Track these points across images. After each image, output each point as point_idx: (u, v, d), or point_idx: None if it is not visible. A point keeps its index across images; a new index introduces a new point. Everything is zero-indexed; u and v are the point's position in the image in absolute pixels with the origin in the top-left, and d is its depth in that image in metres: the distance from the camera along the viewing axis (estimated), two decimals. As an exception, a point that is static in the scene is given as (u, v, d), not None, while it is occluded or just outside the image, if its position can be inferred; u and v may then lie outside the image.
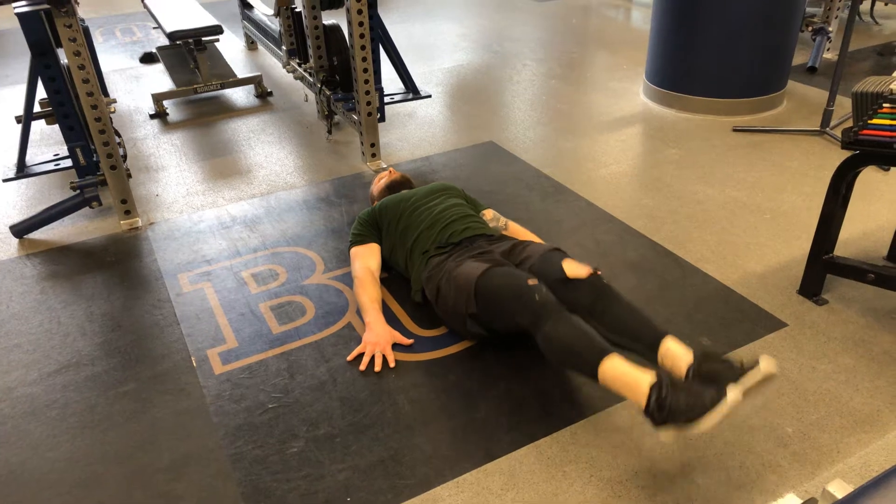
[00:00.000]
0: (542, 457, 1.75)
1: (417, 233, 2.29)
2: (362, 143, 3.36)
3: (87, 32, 3.15)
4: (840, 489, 1.21)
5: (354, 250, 2.39)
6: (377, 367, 2.05)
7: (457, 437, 1.82)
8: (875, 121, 1.97)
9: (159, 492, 1.70)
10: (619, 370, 1.66)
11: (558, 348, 1.78)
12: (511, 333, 2.00)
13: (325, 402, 1.94)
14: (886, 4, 5.56)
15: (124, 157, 2.91)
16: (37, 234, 2.87)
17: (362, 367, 2.05)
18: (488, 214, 2.49)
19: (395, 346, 2.13)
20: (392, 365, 2.07)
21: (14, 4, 2.51)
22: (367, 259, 2.35)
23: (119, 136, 3.01)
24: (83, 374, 2.09)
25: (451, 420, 1.87)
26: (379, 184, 2.71)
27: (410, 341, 2.17)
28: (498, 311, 1.94)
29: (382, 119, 3.46)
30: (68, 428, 1.90)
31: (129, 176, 2.92)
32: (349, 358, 2.09)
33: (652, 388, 1.57)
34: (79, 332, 2.27)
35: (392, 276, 2.48)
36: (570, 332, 1.77)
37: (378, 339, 2.11)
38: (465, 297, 1.99)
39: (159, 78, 4.66)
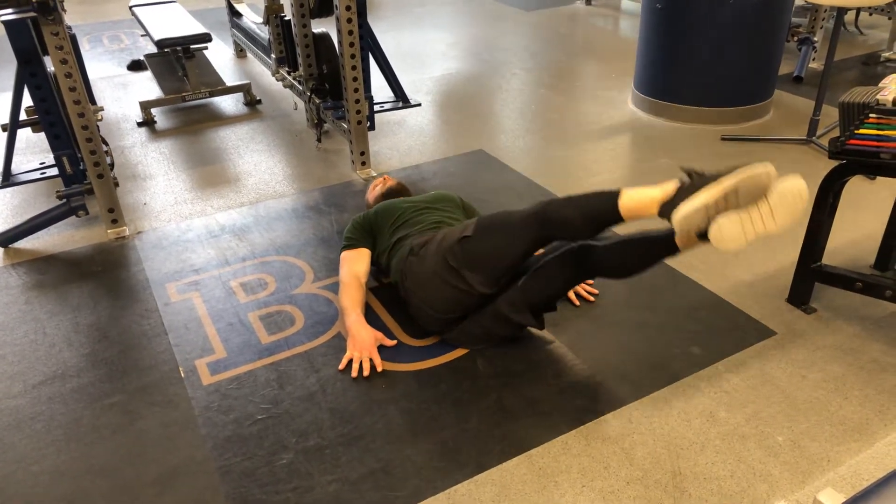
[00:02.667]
0: (533, 467, 1.75)
1: (405, 233, 2.30)
2: (352, 151, 3.35)
3: (74, 40, 3.13)
4: (831, 498, 1.21)
5: (344, 254, 2.37)
6: (366, 373, 2.04)
7: (448, 448, 1.81)
8: (862, 130, 1.99)
9: (146, 505, 1.68)
10: (638, 191, 1.78)
11: (577, 215, 1.86)
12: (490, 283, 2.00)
13: (315, 413, 1.93)
14: (871, 14, 5.63)
15: (111, 165, 2.88)
16: (22, 244, 2.83)
17: (353, 373, 2.05)
18: None
19: (386, 356, 2.12)
20: (379, 369, 2.06)
21: (0, 12, 2.49)
22: (354, 264, 2.33)
23: (106, 144, 2.99)
24: (69, 385, 2.06)
25: (442, 431, 1.86)
26: (374, 191, 2.70)
27: (394, 342, 2.17)
28: (498, 237, 1.96)
29: (372, 127, 3.46)
30: (54, 441, 1.87)
31: (117, 184, 2.89)
32: (340, 367, 2.08)
33: (682, 180, 1.74)
34: (65, 343, 2.24)
35: (384, 286, 2.47)
36: (571, 202, 1.89)
37: (363, 343, 2.10)
38: (448, 251, 2.00)
39: (147, 86, 4.64)
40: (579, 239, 1.99)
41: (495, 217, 2.01)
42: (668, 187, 1.73)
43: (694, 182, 1.70)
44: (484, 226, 1.98)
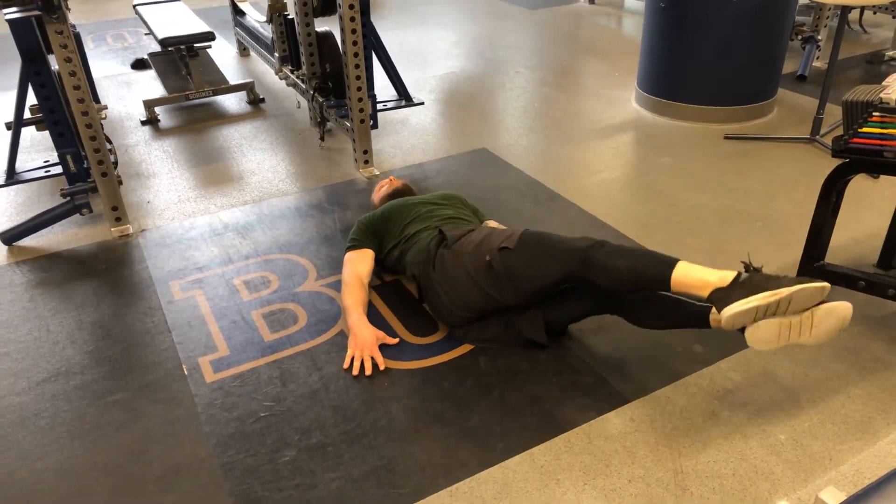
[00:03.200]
0: (535, 465, 1.75)
1: (421, 226, 2.31)
2: (355, 150, 3.35)
3: (78, 38, 3.13)
4: (833, 497, 1.21)
5: (348, 255, 2.38)
6: (367, 372, 2.05)
7: (450, 445, 1.81)
8: (865, 129, 1.98)
9: (150, 502, 1.68)
10: (694, 269, 1.76)
11: (625, 270, 1.82)
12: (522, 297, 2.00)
13: (318, 411, 1.93)
14: (875, 13, 5.61)
15: (115, 163, 2.89)
16: (26, 242, 2.84)
17: (354, 372, 2.05)
18: (491, 224, 2.50)
19: (389, 353, 2.13)
20: (382, 368, 2.06)
21: (4, 10, 2.50)
22: (357, 265, 2.34)
23: (110, 142, 2.99)
24: (73, 383, 2.07)
25: (444, 428, 1.86)
26: (380, 192, 2.71)
27: (396, 340, 2.17)
28: (537, 259, 1.92)
29: (375, 126, 3.46)
30: (57, 438, 1.88)
31: (121, 183, 2.90)
32: (345, 366, 2.08)
33: (739, 273, 1.71)
34: (68, 341, 2.25)
35: (386, 284, 2.48)
36: (624, 254, 1.84)
37: (364, 342, 2.11)
38: (487, 253, 1.97)
39: (151, 84, 4.65)
40: (614, 291, 1.97)
41: (541, 237, 1.96)
42: (726, 276, 1.71)
43: (752, 280, 1.68)
44: (526, 242, 1.96)
